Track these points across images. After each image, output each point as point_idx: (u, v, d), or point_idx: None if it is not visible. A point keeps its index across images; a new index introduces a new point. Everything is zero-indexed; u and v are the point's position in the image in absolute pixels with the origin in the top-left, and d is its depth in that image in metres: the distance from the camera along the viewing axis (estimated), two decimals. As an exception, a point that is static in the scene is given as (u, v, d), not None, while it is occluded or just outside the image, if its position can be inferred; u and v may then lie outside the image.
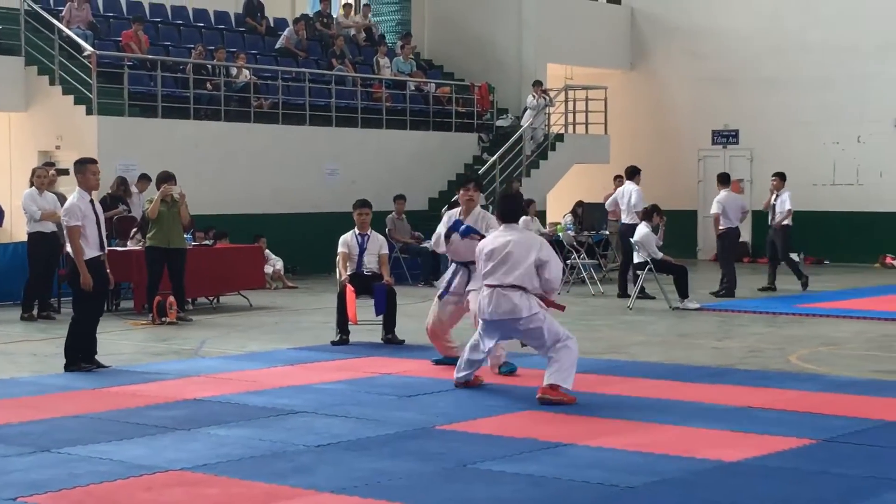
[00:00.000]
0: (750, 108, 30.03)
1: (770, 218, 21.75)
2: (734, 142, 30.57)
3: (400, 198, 24.20)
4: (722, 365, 12.95)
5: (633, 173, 20.99)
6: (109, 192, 20.44)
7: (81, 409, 10.42)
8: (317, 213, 25.00)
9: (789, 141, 29.47)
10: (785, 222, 21.62)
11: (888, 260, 28.13)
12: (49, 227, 17.53)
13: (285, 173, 24.70)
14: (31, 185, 17.64)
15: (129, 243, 18.58)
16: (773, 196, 21.79)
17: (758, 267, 21.78)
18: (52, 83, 22.68)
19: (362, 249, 15.05)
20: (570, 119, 29.58)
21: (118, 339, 15.24)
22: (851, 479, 7.88)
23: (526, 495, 7.57)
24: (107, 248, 12.91)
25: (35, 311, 17.53)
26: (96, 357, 12.71)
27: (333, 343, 14.56)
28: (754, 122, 30.05)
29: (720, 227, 20.88)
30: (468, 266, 12.36)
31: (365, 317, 14.60)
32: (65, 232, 12.76)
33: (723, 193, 21.03)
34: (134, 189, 20.67)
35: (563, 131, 29.25)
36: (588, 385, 11.51)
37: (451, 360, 12.45)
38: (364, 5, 30.27)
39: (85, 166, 12.80)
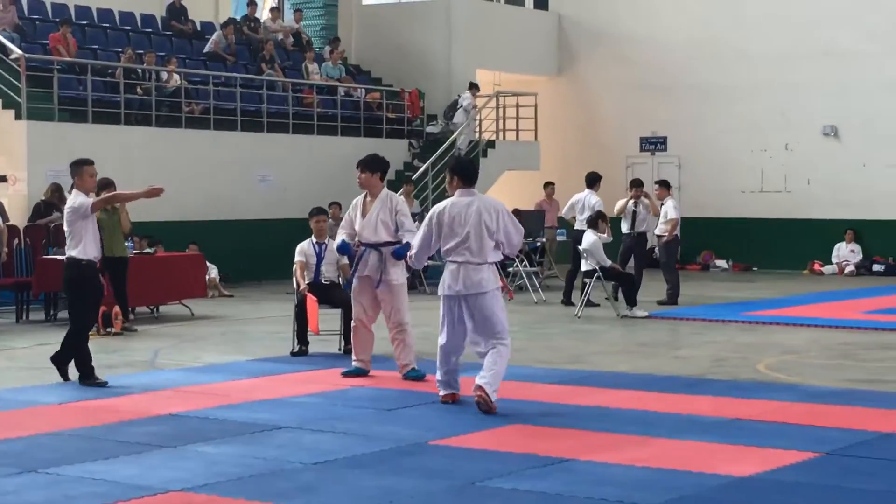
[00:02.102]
0: (678, 115, 30.13)
1: (630, 225, 20.33)
2: (662, 149, 30.65)
3: (335, 204, 23.91)
4: (692, 375, 12.85)
5: (593, 181, 20.86)
6: (43, 198, 19.98)
7: (55, 425, 10.05)
8: (248, 221, 24.65)
9: (717, 148, 29.62)
10: (671, 234, 20.49)
11: (817, 266, 28.33)
12: None
13: (217, 180, 24.30)
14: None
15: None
16: (634, 202, 20.39)
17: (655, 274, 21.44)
18: (-23, 88, 22.12)
19: (320, 258, 14.78)
20: (501, 126, 29.47)
21: (67, 351, 14.81)
22: (871, 494, 7.77)
23: (546, 514, 7.38)
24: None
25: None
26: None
27: (293, 354, 14.26)
28: (683, 130, 30.15)
29: (671, 235, 20.59)
30: (378, 248, 12.36)
31: (326, 327, 14.32)
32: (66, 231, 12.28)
33: (672, 200, 20.74)
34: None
35: (494, 138, 29.14)
36: (566, 397, 11.38)
37: (359, 371, 12.63)
38: (295, 11, 29.92)
39: (81, 168, 12.34)
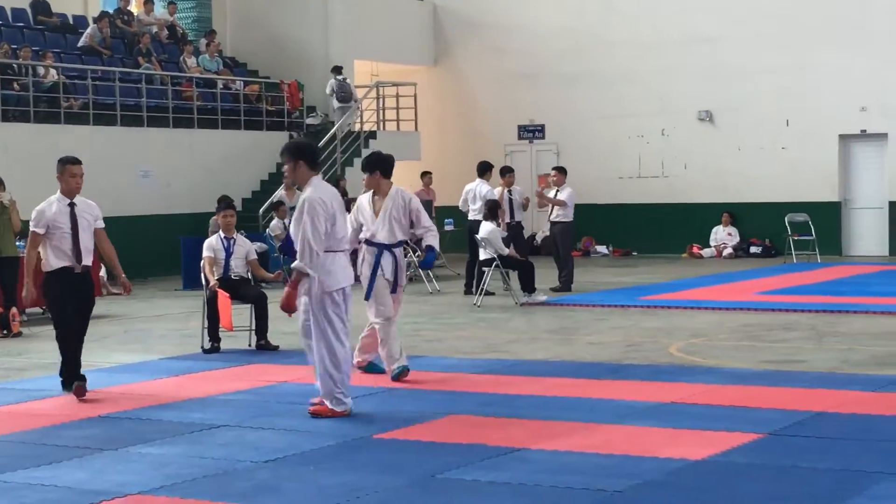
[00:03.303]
0: (555, 103, 30.33)
1: (509, 214, 20.49)
2: (540, 136, 30.85)
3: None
4: (610, 360, 12.96)
5: (483, 170, 20.88)
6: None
7: (-17, 431, 9.80)
8: (131, 217, 24.22)
9: (595, 134, 29.89)
10: (566, 219, 20.70)
11: (695, 250, 28.76)
12: None
13: (97, 175, 23.66)
14: None
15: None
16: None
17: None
18: None
19: (229, 253, 14.60)
20: (382, 116, 29.42)
21: (-32, 355, 14.50)
22: (826, 472, 7.91)
23: (519, 504, 7.38)
24: (82, 262, 11.40)
25: None
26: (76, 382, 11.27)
27: (205, 351, 14.08)
28: (560, 117, 30.37)
29: (565, 220, 20.71)
30: (393, 249, 11.88)
31: (236, 322, 14.16)
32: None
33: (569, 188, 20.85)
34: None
35: (375, 128, 29.07)
36: (497, 386, 11.42)
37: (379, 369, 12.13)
38: (169, 3, 29.46)
39: (63, 166, 11.48)
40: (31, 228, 11.39)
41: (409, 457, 8.63)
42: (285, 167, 10.33)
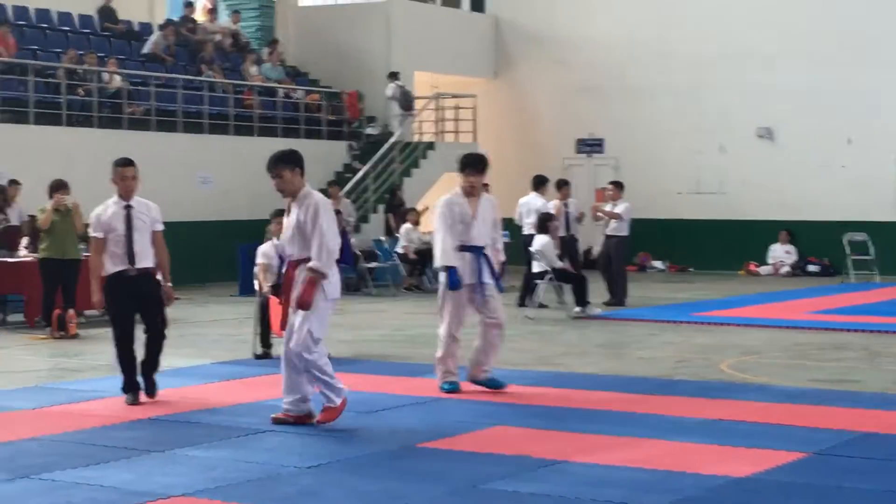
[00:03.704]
0: (615, 117, 30.34)
1: (565, 227, 20.60)
2: (599, 150, 30.85)
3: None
4: (659, 375, 12.95)
5: (538, 183, 20.94)
6: (-16, 201, 19.73)
7: (35, 430, 9.93)
8: (190, 222, 24.42)
9: (654, 150, 29.85)
10: (621, 233, 20.65)
11: (752, 267, 28.64)
12: None
13: (158, 181, 23.95)
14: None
15: (19, 253, 17.90)
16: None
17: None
18: (-81, 87, 21.80)
19: (282, 260, 14.64)
20: (440, 128, 29.53)
21: (24, 355, 14.71)
22: (871, 493, 7.88)
23: (557, 516, 7.41)
24: (136, 265, 11.12)
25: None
26: (142, 390, 11.18)
27: (257, 357, 14.20)
28: (619, 131, 30.36)
29: (619, 234, 20.70)
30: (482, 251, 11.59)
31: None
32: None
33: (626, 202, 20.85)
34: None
35: (433, 140, 29.18)
36: (546, 399, 11.44)
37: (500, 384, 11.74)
38: (233, 12, 29.73)
39: (116, 168, 11.36)
40: (91, 234, 11.28)
41: (452, 466, 8.67)
42: (282, 175, 10.06)
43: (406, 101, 28.21)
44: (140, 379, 11.28)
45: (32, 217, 17.57)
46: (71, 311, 16.35)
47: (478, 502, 7.75)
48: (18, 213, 19.30)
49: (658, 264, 29.93)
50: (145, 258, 11.27)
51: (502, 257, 11.93)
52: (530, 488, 8.00)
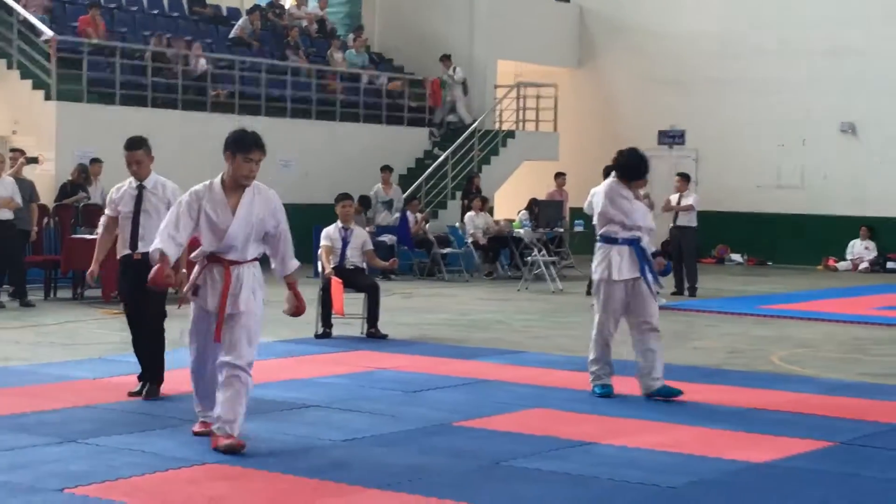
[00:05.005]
0: (697, 109, 30.38)
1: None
2: (680, 142, 30.90)
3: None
4: (709, 365, 13.13)
5: (609, 173, 21.01)
6: (70, 179, 20.29)
7: (89, 399, 10.37)
8: (270, 205, 24.83)
9: (735, 142, 29.86)
10: (692, 224, 20.83)
11: (831, 262, 28.56)
12: (5, 214, 17.20)
13: (240, 164, 24.55)
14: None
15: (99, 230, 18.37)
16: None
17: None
18: (9, 67, 22.42)
19: (345, 243, 15.07)
20: (521, 116, 29.76)
21: (96, 329, 15.20)
22: (885, 482, 8.02)
23: (571, 494, 7.62)
24: (138, 249, 10.47)
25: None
26: (149, 384, 10.62)
27: (317, 336, 14.58)
28: (701, 123, 30.39)
29: (691, 225, 20.84)
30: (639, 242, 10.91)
31: (349, 311, 14.63)
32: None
33: (694, 194, 21.02)
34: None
35: (513, 128, 29.41)
36: (587, 383, 11.62)
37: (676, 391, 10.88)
38: (321, -2, 30.24)
39: (127, 151, 10.68)
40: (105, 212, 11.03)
41: (481, 444, 8.94)
42: (258, 161, 9.05)
43: (465, 87, 28.71)
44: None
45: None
46: (143, 288, 16.75)
47: (496, 478, 8.00)
48: (101, 192, 19.83)
49: (736, 257, 29.95)
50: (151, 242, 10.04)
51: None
52: (551, 466, 8.25)
